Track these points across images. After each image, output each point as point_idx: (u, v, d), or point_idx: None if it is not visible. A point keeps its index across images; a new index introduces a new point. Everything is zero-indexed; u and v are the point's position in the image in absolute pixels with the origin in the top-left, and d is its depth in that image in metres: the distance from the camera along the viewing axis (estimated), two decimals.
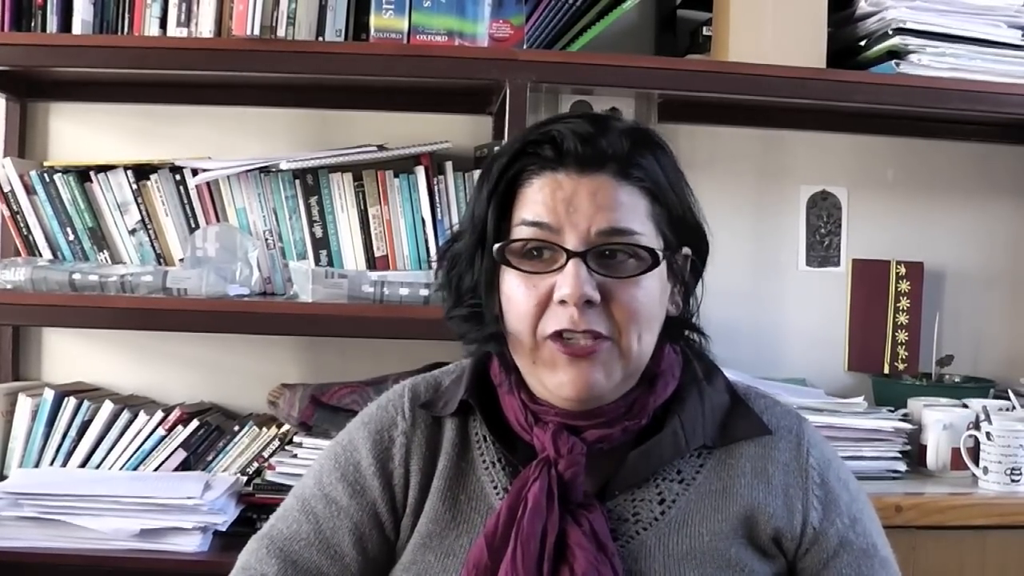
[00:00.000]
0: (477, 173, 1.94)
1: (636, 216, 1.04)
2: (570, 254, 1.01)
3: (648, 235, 1.04)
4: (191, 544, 1.72)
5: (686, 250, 1.10)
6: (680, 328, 1.12)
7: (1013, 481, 1.81)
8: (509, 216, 1.06)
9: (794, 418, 1.14)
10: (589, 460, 1.05)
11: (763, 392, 1.18)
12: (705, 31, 2.03)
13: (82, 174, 1.97)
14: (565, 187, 1.03)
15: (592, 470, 1.06)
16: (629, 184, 1.04)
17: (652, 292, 1.04)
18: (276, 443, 1.89)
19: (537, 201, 1.04)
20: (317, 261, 1.96)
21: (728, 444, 1.10)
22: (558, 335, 1.02)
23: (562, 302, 1.01)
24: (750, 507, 1.07)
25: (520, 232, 1.04)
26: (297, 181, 1.97)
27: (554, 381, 1.03)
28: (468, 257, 1.09)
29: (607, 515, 1.06)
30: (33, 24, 1.88)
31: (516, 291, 1.04)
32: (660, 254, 1.04)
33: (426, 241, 1.96)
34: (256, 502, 1.81)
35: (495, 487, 1.09)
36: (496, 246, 1.05)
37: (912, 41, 1.90)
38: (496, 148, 1.91)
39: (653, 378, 1.09)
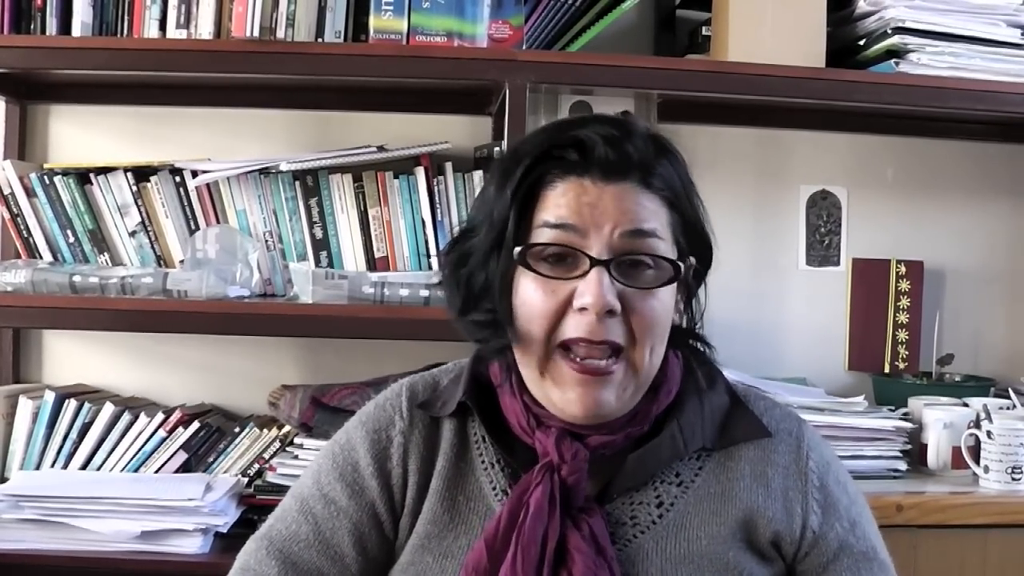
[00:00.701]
0: (477, 174, 1.95)
1: (658, 221, 1.04)
2: (593, 261, 1.00)
3: (667, 242, 1.04)
4: (192, 546, 1.72)
5: (692, 259, 1.09)
6: (684, 337, 1.12)
7: (1014, 480, 1.81)
8: (528, 218, 1.04)
9: (794, 420, 1.14)
10: (589, 464, 1.04)
11: (763, 393, 1.18)
12: (704, 31, 2.03)
13: (82, 176, 1.97)
14: (590, 192, 1.02)
15: (592, 473, 1.06)
16: (651, 192, 1.04)
17: (667, 303, 1.04)
18: (277, 444, 1.89)
19: (561, 205, 1.03)
20: (317, 262, 1.96)
21: (727, 447, 1.10)
22: (569, 348, 1.01)
23: (582, 309, 1.00)
24: (749, 510, 1.07)
25: (542, 235, 1.03)
26: (297, 182, 1.97)
27: (562, 399, 1.03)
28: (482, 257, 1.07)
29: (606, 518, 1.05)
30: (33, 26, 1.88)
31: (533, 295, 1.02)
32: (680, 266, 1.04)
33: (426, 242, 1.96)
34: (257, 503, 1.81)
35: (494, 488, 1.09)
36: (517, 249, 1.03)
37: (911, 40, 1.90)
38: (497, 148, 1.92)
39: (657, 386, 1.08)
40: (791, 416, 1.15)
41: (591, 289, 0.99)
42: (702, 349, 1.13)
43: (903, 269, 2.20)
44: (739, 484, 1.08)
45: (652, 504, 1.07)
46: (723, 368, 1.16)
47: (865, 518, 1.12)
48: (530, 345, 1.03)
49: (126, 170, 1.97)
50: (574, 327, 1.01)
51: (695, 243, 1.09)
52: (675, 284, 1.05)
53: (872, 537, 1.11)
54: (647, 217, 1.03)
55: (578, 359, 1.01)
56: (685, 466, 1.09)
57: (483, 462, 1.11)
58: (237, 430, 1.92)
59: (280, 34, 1.81)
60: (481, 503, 1.09)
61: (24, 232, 1.97)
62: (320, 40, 1.86)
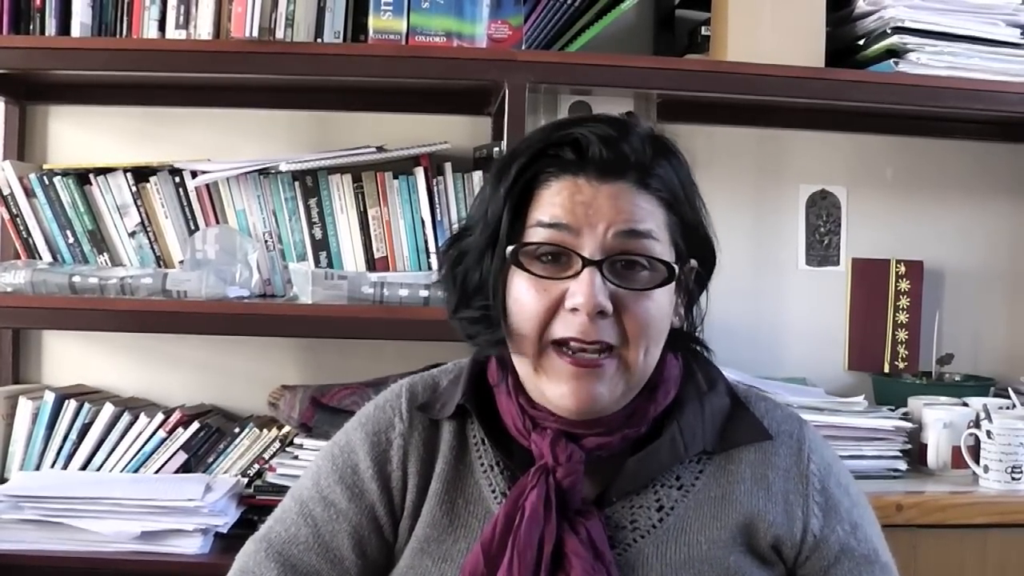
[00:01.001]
0: (477, 174, 1.95)
1: (654, 222, 1.03)
2: (586, 262, 0.99)
3: (663, 243, 1.03)
4: (192, 546, 1.72)
5: (693, 262, 1.08)
6: (683, 340, 1.11)
7: (1014, 479, 1.81)
8: (523, 216, 1.04)
9: (795, 422, 1.13)
10: (588, 466, 1.04)
11: (764, 395, 1.17)
12: (704, 31, 2.03)
13: (81, 176, 1.97)
14: (584, 191, 1.01)
15: (591, 476, 1.05)
16: (647, 193, 1.03)
17: (663, 305, 1.03)
18: (276, 445, 1.89)
19: (555, 203, 1.02)
20: (317, 263, 1.96)
21: (728, 450, 1.09)
22: (563, 344, 1.00)
23: (573, 310, 0.99)
24: (750, 514, 1.06)
25: (535, 234, 1.02)
26: (296, 183, 1.97)
27: (555, 392, 1.02)
28: (477, 255, 1.06)
29: (605, 522, 1.05)
30: (32, 27, 1.88)
31: (525, 294, 1.02)
32: (676, 268, 1.03)
33: (425, 242, 1.96)
34: (257, 504, 1.81)
35: (493, 491, 1.08)
36: (510, 248, 1.03)
37: (910, 40, 1.91)
38: (496, 148, 1.92)
39: (654, 387, 1.07)
40: (792, 417, 1.14)
41: (582, 289, 0.99)
42: (701, 352, 1.13)
43: (903, 269, 2.20)
44: (740, 487, 1.07)
45: (652, 508, 1.06)
46: (723, 368, 1.15)
47: (867, 520, 1.11)
48: (522, 343, 1.03)
49: (125, 170, 1.97)
50: (566, 327, 1.00)
51: (696, 246, 1.08)
52: (672, 286, 1.04)
53: (874, 539, 1.10)
54: (642, 217, 1.02)
55: (571, 353, 1.01)
56: (685, 469, 1.08)
57: (482, 464, 1.10)
58: (237, 430, 1.92)
59: (279, 34, 1.81)
60: (480, 506, 1.08)
61: (24, 233, 1.97)
62: (319, 40, 1.86)
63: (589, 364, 1.00)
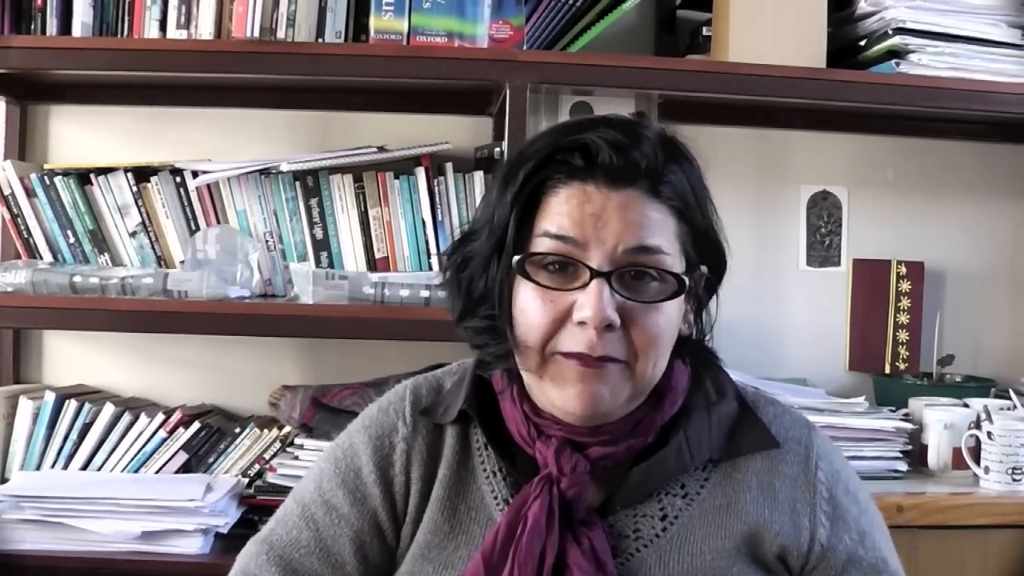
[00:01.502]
0: (478, 174, 1.95)
1: (664, 234, 1.00)
2: (594, 273, 0.97)
3: (674, 255, 1.01)
4: (192, 546, 1.72)
5: (703, 268, 1.06)
6: (691, 348, 1.09)
7: (1014, 480, 1.81)
8: (530, 223, 1.01)
9: (803, 428, 1.11)
10: (592, 474, 1.03)
11: (772, 399, 1.14)
12: (705, 31, 2.03)
13: (82, 176, 1.97)
14: (594, 200, 0.98)
15: (595, 483, 1.04)
16: (658, 202, 1.00)
17: (672, 317, 1.01)
18: (277, 445, 1.89)
19: (563, 213, 0.99)
20: (318, 263, 1.96)
21: (735, 458, 1.07)
22: (569, 357, 0.98)
23: (581, 323, 0.97)
24: (755, 524, 1.04)
25: (542, 244, 1.00)
26: (297, 183, 1.97)
27: (562, 397, 1.00)
28: (483, 262, 1.04)
29: (608, 531, 1.03)
30: (33, 27, 1.88)
31: (531, 304, 1.00)
32: (686, 280, 1.00)
33: (426, 242, 1.96)
34: (257, 504, 1.81)
35: (495, 497, 1.07)
36: (516, 257, 1.00)
37: (912, 41, 1.91)
38: (497, 148, 1.92)
39: (661, 396, 1.05)
40: (800, 423, 1.12)
41: (590, 302, 0.96)
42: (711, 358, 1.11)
43: (904, 269, 2.19)
44: (745, 496, 1.05)
45: (656, 517, 1.05)
46: (725, 369, 1.13)
47: (876, 527, 1.09)
48: (528, 354, 1.01)
49: (126, 170, 1.97)
50: (572, 341, 0.98)
51: (706, 252, 1.05)
52: (681, 297, 1.02)
53: (882, 547, 1.08)
54: (653, 231, 0.99)
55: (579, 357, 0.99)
56: (690, 477, 1.06)
57: (485, 470, 1.09)
58: (237, 430, 1.92)
59: (280, 34, 1.81)
60: (482, 513, 1.07)
61: (24, 232, 1.97)
62: (320, 40, 1.86)
63: (595, 364, 0.98)
